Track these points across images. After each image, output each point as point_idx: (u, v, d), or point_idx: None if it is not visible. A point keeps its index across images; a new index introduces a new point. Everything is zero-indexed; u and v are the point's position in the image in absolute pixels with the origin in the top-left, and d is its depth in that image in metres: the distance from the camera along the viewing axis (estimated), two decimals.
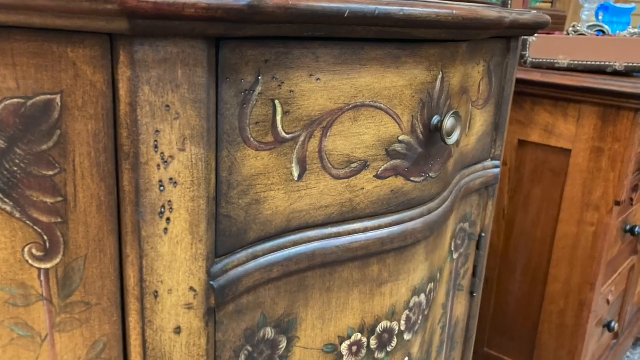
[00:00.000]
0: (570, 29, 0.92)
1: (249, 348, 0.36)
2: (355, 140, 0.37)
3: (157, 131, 0.27)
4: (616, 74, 0.86)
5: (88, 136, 0.27)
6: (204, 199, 0.30)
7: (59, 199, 0.28)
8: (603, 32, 0.95)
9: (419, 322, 0.48)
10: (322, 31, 0.32)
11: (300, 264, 0.37)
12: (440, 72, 0.41)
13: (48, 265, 0.28)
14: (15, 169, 0.27)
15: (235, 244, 0.33)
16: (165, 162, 0.28)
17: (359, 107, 0.37)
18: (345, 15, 0.31)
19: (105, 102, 0.27)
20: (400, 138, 0.40)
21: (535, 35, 0.87)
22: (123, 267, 0.29)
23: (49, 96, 0.26)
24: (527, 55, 0.89)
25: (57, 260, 0.28)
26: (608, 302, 0.99)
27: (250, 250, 0.34)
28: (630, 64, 0.84)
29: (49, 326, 0.29)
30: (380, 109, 0.38)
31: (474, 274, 0.60)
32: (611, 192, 0.84)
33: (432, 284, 0.49)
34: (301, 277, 0.38)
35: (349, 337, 0.42)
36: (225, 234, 0.32)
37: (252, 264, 0.34)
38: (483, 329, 1.01)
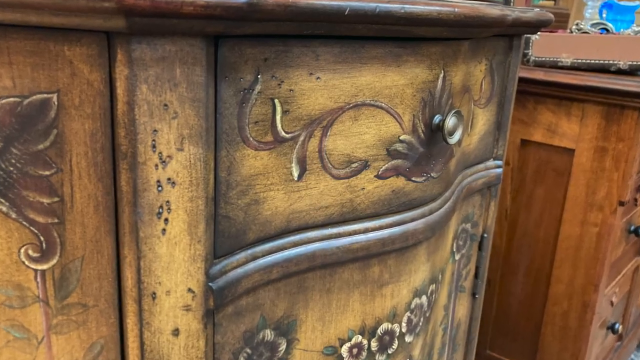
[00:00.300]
0: (574, 27, 0.92)
1: (248, 350, 0.36)
2: (356, 140, 0.37)
3: (155, 130, 0.27)
4: (620, 72, 0.85)
5: (85, 135, 0.27)
6: (202, 199, 0.29)
7: (56, 199, 0.27)
8: (607, 30, 0.94)
9: (420, 324, 0.48)
10: (322, 29, 0.31)
11: (300, 265, 0.37)
12: (442, 71, 0.41)
13: (44, 267, 0.28)
14: (11, 168, 0.27)
15: (234, 244, 0.33)
16: (163, 161, 0.27)
17: (360, 106, 0.36)
18: (346, 13, 0.30)
19: (102, 101, 0.26)
20: (401, 137, 0.39)
21: (538, 33, 0.86)
22: (120, 268, 0.29)
23: (45, 95, 0.26)
24: (530, 53, 0.89)
25: (54, 262, 0.28)
26: (612, 303, 0.98)
27: (249, 251, 0.34)
28: (635, 63, 0.83)
29: (46, 328, 0.29)
30: (381, 108, 0.37)
31: (476, 275, 0.60)
32: (615, 192, 0.83)
33: (434, 285, 0.49)
34: (301, 278, 0.38)
35: (349, 339, 0.42)
36: (224, 235, 0.32)
37: (251, 265, 0.34)
38: (485, 330, 1.01)
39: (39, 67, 0.26)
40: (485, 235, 0.59)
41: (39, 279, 0.28)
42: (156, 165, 0.27)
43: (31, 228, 0.27)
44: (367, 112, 0.37)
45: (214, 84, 0.29)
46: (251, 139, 0.32)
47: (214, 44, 0.28)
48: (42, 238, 0.28)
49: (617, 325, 1.00)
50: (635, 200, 0.92)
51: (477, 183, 0.54)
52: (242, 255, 0.33)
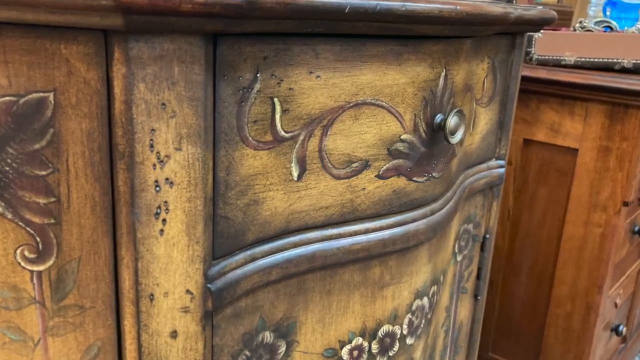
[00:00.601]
0: (577, 25, 0.91)
1: (247, 352, 0.36)
2: (356, 139, 0.36)
3: (153, 130, 0.26)
4: (624, 71, 0.84)
5: (82, 135, 0.26)
6: (200, 199, 0.29)
7: (52, 199, 0.27)
8: (611, 28, 0.93)
9: (422, 325, 0.47)
10: (322, 27, 0.31)
11: (299, 266, 0.36)
12: (444, 69, 0.40)
13: (41, 268, 0.28)
14: (7, 168, 0.26)
15: (233, 245, 0.33)
16: (161, 161, 0.27)
17: (360, 105, 0.36)
18: (346, 11, 0.30)
19: (99, 100, 0.26)
20: (402, 137, 0.39)
21: (541, 31, 0.86)
22: (118, 269, 0.28)
23: (41, 94, 0.26)
24: (533, 52, 0.88)
25: (50, 263, 0.28)
26: (616, 305, 0.97)
27: (248, 252, 0.34)
28: (639, 61, 0.83)
29: (42, 330, 0.29)
30: (382, 107, 0.37)
31: (478, 277, 0.59)
32: (619, 193, 0.83)
33: (435, 286, 0.48)
34: (301, 279, 0.37)
35: (350, 342, 0.42)
36: (222, 235, 0.32)
37: (250, 266, 0.33)
38: (487, 332, 1.00)
39: (35, 65, 0.25)
40: (488, 236, 0.58)
41: (35, 280, 0.28)
42: (154, 165, 0.27)
43: (27, 229, 0.27)
44: (367, 111, 0.36)
45: (213, 82, 0.29)
46: (250, 138, 0.31)
47: (213, 42, 0.28)
48: (38, 239, 0.27)
49: (621, 327, 1.00)
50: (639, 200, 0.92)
51: (479, 183, 0.54)
52: (241, 256, 0.33)
